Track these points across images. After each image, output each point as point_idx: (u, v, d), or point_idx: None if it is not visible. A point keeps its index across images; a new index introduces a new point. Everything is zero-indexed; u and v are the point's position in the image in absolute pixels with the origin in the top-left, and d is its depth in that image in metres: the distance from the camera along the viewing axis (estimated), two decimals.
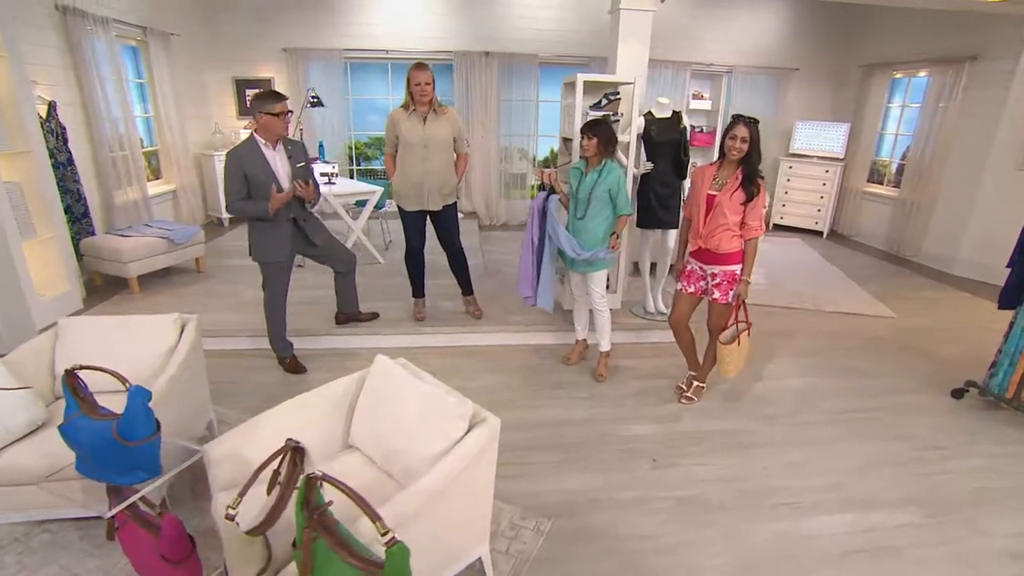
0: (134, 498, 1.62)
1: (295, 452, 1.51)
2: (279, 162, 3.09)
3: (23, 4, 4.01)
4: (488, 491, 1.81)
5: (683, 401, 3.20)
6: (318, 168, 5.37)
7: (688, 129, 3.77)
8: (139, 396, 1.60)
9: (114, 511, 1.54)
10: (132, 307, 4.03)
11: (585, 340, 3.66)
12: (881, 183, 6.96)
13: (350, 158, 7.43)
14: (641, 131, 3.75)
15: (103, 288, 4.40)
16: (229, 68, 6.76)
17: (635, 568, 2.07)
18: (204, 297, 4.27)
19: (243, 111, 6.93)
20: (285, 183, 3.09)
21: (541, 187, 3.34)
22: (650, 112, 3.76)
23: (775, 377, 3.58)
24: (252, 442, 1.84)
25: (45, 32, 4.25)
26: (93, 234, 4.52)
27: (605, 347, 3.45)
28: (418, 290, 3.96)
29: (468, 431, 1.73)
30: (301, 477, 1.25)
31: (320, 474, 1.20)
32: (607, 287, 4.09)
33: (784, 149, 7.41)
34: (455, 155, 3.63)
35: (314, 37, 6.77)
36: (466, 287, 4.01)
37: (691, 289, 3.04)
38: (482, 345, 3.87)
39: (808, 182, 7.15)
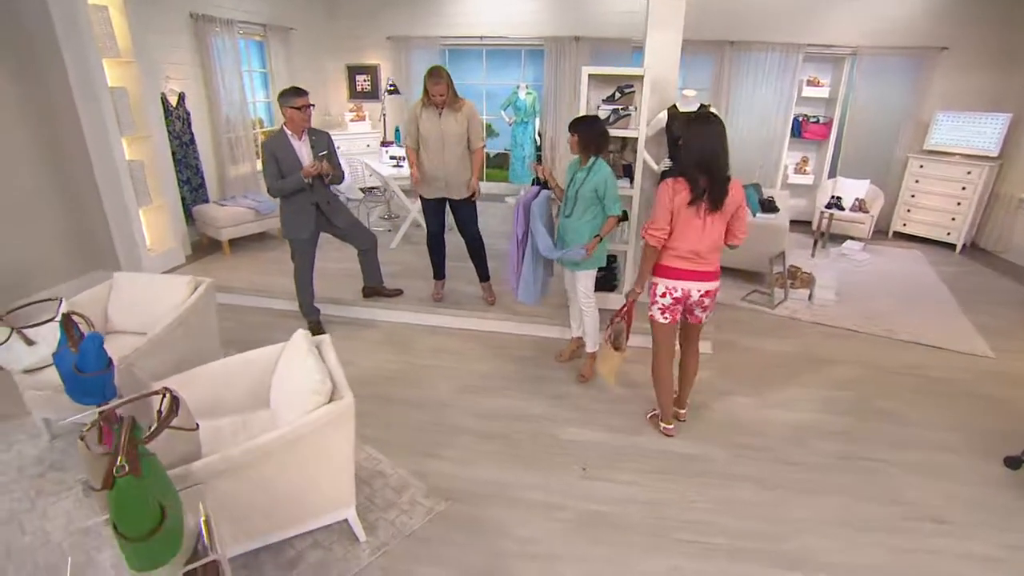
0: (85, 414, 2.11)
1: (173, 400, 1.86)
2: (304, 150, 3.53)
3: (164, 13, 4.96)
4: (345, 461, 2.01)
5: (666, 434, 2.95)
6: (390, 151, 5.87)
7: None
8: (93, 340, 2.06)
9: (70, 419, 2.05)
10: (216, 265, 4.88)
11: (580, 339, 3.62)
12: None
13: None
14: (664, 126, 3.53)
15: (208, 247, 5.36)
16: (342, 56, 7.56)
17: (492, 568, 2.12)
18: (271, 263, 4.98)
19: (352, 94, 7.72)
20: None
21: (535, 181, 3.34)
22: (674, 106, 3.51)
23: (778, 406, 3.20)
24: (186, 387, 2.25)
25: (180, 35, 5.20)
26: (207, 202, 5.50)
27: (591, 348, 3.39)
28: (438, 272, 4.21)
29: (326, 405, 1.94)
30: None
31: (130, 417, 1.50)
32: (614, 287, 3.98)
33: (916, 145, 6.21)
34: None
35: (416, 26, 7.26)
36: (483, 274, 4.16)
37: (678, 319, 2.79)
38: (488, 331, 4.00)
39: (943, 184, 5.93)
